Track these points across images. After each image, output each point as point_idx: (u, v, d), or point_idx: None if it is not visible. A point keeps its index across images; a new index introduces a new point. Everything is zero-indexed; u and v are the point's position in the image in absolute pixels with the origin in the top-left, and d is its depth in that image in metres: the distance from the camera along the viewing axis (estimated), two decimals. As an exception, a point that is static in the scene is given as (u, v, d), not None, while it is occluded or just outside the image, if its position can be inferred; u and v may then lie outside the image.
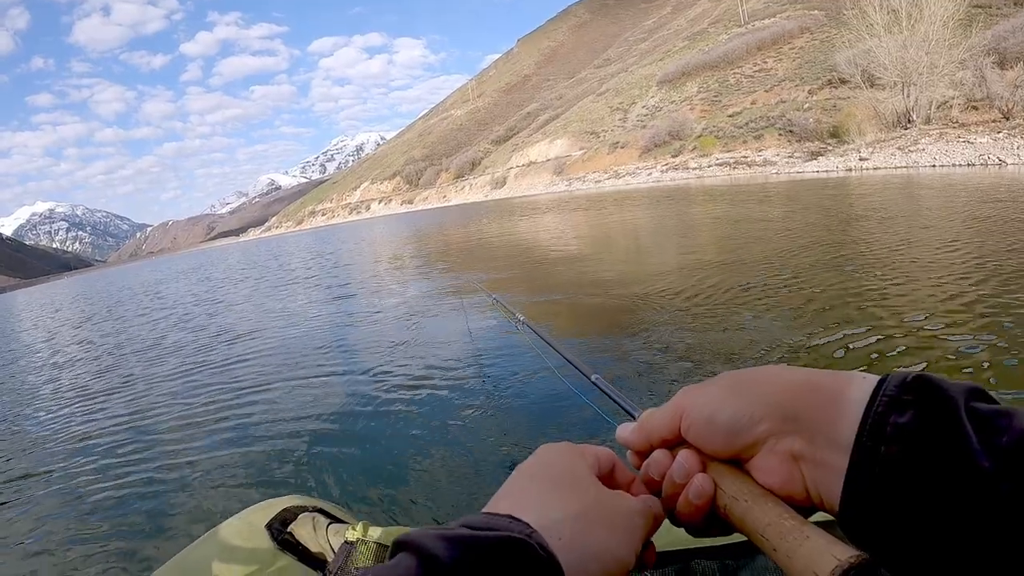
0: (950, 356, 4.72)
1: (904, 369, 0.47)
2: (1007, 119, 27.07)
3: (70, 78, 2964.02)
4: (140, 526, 3.89)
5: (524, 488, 0.50)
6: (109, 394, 7.85)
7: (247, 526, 1.46)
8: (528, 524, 0.43)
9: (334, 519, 1.62)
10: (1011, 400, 3.86)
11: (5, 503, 4.77)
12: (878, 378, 0.47)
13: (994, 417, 0.42)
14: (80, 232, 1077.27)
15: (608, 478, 0.56)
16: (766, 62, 62.87)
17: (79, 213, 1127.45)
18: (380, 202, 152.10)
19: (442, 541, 0.37)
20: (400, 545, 0.38)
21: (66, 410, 7.57)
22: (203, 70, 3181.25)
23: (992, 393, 0.45)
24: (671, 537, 1.20)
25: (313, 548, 1.53)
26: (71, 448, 5.89)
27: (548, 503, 0.48)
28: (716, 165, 47.37)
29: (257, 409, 5.91)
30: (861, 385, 0.48)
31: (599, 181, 63.07)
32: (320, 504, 1.65)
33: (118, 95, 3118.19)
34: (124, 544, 3.71)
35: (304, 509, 1.59)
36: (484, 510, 0.46)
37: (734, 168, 44.02)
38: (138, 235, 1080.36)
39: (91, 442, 5.93)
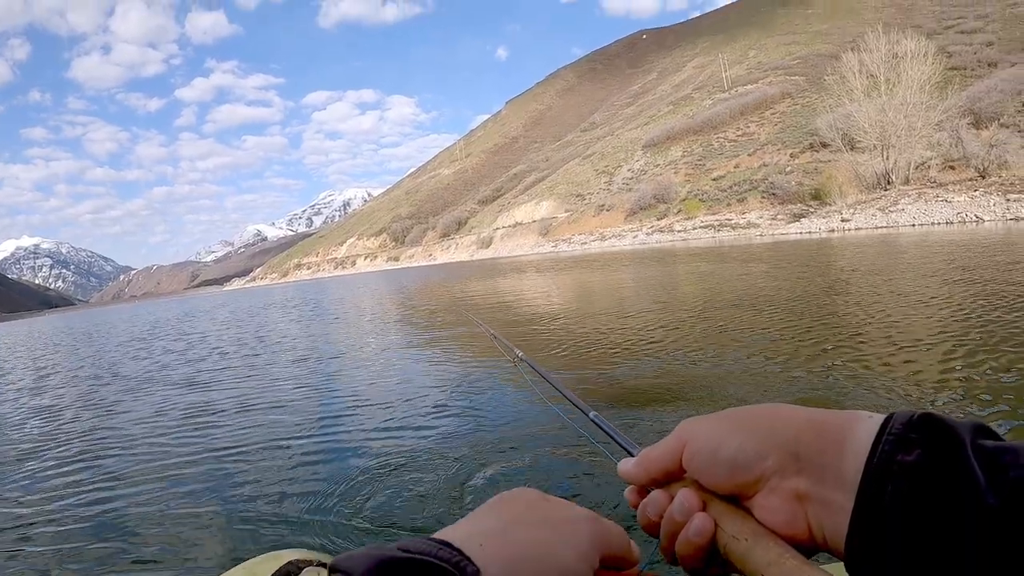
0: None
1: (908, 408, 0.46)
2: (983, 177, 27.67)
3: (65, 114, 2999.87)
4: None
5: (462, 520, 0.49)
6: (110, 440, 7.52)
7: None
8: (445, 543, 0.41)
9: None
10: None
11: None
12: (883, 417, 0.47)
13: (1000, 454, 0.42)
14: (64, 270, 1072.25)
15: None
16: (749, 127, 64.23)
17: (64, 251, 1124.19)
18: (366, 258, 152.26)
19: (369, 566, 0.37)
20: (333, 568, 0.38)
21: (64, 454, 7.27)
22: (197, 116, 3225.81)
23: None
24: None
25: None
26: (63, 494, 5.56)
27: (479, 520, 0.47)
28: (701, 227, 47.92)
29: (249, 459, 5.66)
30: (867, 424, 0.47)
31: (585, 243, 63.45)
32: (325, 559, 1.55)
33: (111, 135, 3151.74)
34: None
35: (309, 563, 1.46)
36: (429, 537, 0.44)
37: (719, 230, 44.52)
38: (122, 277, 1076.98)
39: (81, 486, 5.62)
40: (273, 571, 1.48)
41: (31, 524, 4.69)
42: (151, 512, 4.62)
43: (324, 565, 1.67)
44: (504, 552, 0.43)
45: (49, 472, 6.06)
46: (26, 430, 8.41)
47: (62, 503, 5.09)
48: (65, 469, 6.07)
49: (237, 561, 1.46)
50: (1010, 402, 4.34)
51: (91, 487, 5.42)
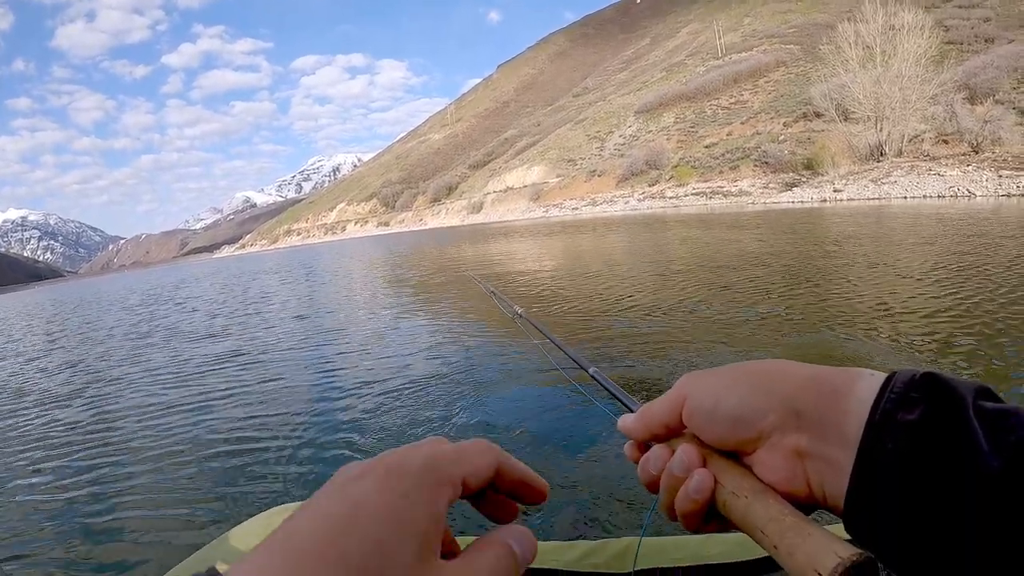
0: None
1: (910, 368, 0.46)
2: (976, 152, 27.74)
3: (50, 83, 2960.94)
4: (154, 528, 3.75)
5: (296, 556, 0.31)
6: (127, 401, 7.50)
7: (267, 528, 1.43)
8: None
9: None
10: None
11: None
12: (885, 375, 0.47)
13: (1002, 416, 0.42)
14: (52, 242, 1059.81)
15: (497, 479, 0.44)
16: (742, 94, 63.84)
17: (52, 222, 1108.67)
18: (356, 223, 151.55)
19: None
20: None
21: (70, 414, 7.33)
22: (184, 83, 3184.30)
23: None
24: (662, 555, 1.20)
25: None
26: (73, 450, 5.69)
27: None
28: (693, 194, 47.83)
29: (261, 414, 5.76)
30: (869, 382, 0.47)
31: (576, 208, 63.30)
32: None
33: (98, 104, 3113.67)
34: (139, 547, 3.56)
35: None
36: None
37: (710, 198, 44.47)
38: (111, 247, 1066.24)
39: (89, 448, 5.69)
40: None
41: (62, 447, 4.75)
42: (172, 463, 4.77)
43: None
44: None
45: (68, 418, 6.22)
46: (60, 381, 8.74)
47: (81, 446, 5.14)
48: (87, 420, 6.22)
49: (254, 512, 1.52)
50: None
51: (112, 435, 5.57)
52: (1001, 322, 5.61)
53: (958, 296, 6.72)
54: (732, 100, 64.31)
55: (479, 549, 0.40)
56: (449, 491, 0.38)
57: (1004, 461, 0.39)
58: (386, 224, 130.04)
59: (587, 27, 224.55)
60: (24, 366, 11.46)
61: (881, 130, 33.20)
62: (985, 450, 0.40)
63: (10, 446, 6.06)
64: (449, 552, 0.38)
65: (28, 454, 5.69)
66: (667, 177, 56.61)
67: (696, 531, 0.54)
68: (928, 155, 30.82)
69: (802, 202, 31.51)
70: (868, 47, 35.82)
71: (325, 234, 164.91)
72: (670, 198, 50.16)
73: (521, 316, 1.72)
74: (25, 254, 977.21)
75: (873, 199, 27.49)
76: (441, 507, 0.37)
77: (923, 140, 32.62)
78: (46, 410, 7.38)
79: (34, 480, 4.95)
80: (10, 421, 7.15)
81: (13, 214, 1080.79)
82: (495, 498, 0.44)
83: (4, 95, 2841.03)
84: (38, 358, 12.32)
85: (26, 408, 7.69)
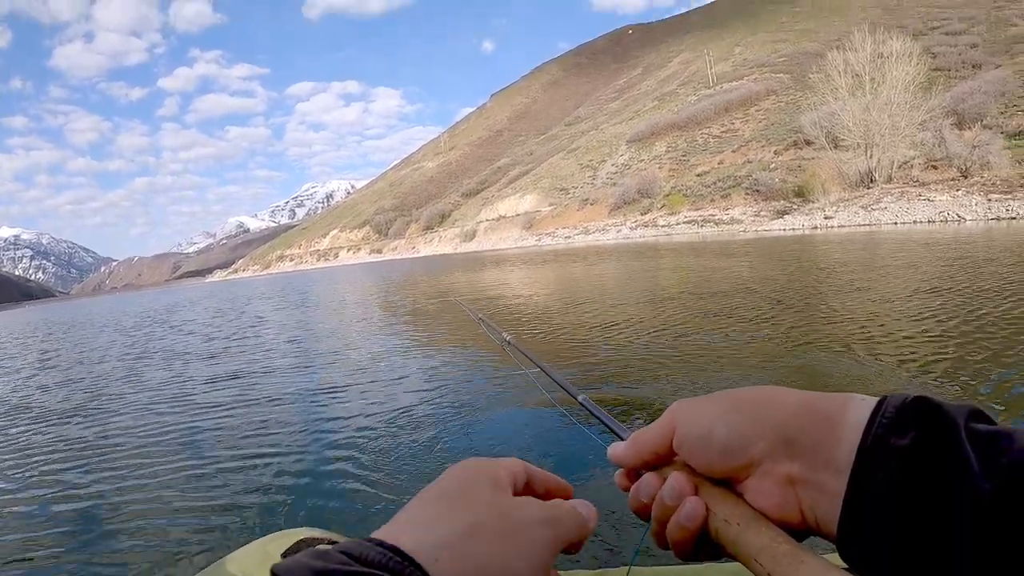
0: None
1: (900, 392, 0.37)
2: (965, 177, 27.92)
3: (47, 103, 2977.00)
4: (148, 552, 3.64)
5: (414, 507, 0.46)
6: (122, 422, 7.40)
7: (263, 555, 1.40)
8: (397, 551, 0.38)
9: None
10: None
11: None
12: (876, 400, 0.47)
13: (994, 438, 0.41)
14: (44, 261, 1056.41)
15: (526, 490, 0.53)
16: (733, 123, 64.38)
17: (44, 242, 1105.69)
18: (349, 250, 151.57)
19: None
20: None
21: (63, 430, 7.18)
22: (180, 106, 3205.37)
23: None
24: None
25: None
26: (63, 468, 5.55)
27: (433, 520, 0.44)
28: (684, 223, 47.98)
29: (257, 440, 5.64)
30: (860, 407, 0.47)
31: (569, 237, 63.38)
32: (335, 537, 1.56)
33: (93, 125, 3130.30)
34: (133, 571, 3.43)
35: (320, 541, 1.48)
36: (373, 534, 0.42)
37: (702, 226, 44.59)
38: (103, 269, 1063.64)
39: (81, 468, 5.51)
40: (285, 548, 1.45)
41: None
42: (168, 486, 4.64)
43: (335, 543, 1.64)
44: (459, 568, 0.40)
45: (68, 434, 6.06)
46: (59, 398, 8.60)
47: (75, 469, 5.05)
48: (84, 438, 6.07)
49: (249, 539, 1.43)
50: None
51: (103, 463, 5.39)
52: (981, 341, 5.74)
53: (940, 318, 6.84)
54: (723, 129, 64.85)
55: (551, 503, 0.49)
56: (504, 473, 0.50)
57: (996, 484, 0.39)
58: (379, 251, 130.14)
59: (580, 56, 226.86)
60: (24, 383, 11.39)
61: (871, 157, 33.43)
62: (977, 473, 0.39)
63: (9, 460, 5.96)
64: None
65: (23, 469, 5.58)
66: (659, 206, 56.87)
67: (688, 560, 0.54)
68: (918, 181, 31.02)
69: (793, 229, 31.61)
70: (857, 75, 36.24)
71: (318, 260, 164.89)
72: (662, 226, 50.30)
73: (510, 343, 1.68)
74: (17, 273, 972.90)
75: (864, 225, 27.61)
76: (502, 482, 0.49)
77: (912, 166, 32.85)
78: (47, 426, 7.28)
79: (29, 496, 4.84)
80: (10, 433, 7.14)
81: (6, 232, 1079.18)
82: None
83: (1, 113, 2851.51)
84: (35, 375, 12.27)
85: (25, 424, 7.61)
